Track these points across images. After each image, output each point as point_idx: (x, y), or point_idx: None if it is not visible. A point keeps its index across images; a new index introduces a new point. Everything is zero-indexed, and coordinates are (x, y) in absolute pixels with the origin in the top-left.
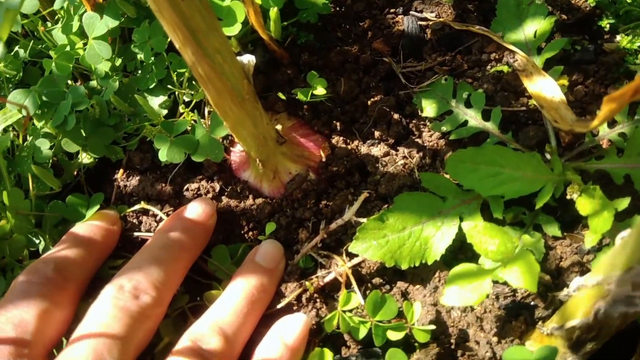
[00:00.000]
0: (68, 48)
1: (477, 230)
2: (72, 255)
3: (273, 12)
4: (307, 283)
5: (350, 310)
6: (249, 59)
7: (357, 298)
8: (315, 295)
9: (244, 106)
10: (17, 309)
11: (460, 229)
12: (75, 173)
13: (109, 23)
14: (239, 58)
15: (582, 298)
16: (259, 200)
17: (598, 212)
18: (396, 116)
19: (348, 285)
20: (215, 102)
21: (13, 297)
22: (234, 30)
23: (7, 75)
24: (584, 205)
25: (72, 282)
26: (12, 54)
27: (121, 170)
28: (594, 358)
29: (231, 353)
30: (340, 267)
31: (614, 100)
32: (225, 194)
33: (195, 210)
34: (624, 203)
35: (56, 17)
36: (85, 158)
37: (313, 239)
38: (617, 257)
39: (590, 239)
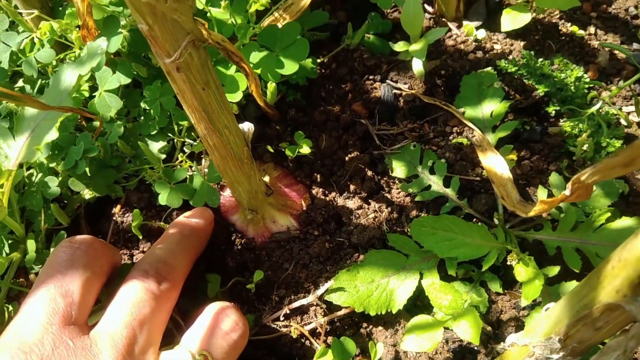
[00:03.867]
0: (76, 94)
1: (434, 288)
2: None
3: (271, 86)
4: (292, 326)
5: None
6: (248, 127)
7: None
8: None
9: (242, 168)
10: (66, 279)
11: (420, 282)
12: (76, 207)
13: (122, 79)
14: (240, 126)
15: (514, 353)
16: (244, 240)
17: (531, 280)
18: (370, 173)
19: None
20: (218, 164)
21: (60, 266)
22: (236, 97)
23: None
24: (519, 272)
25: (109, 253)
26: (19, 89)
27: (119, 207)
28: None
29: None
30: (320, 317)
31: (546, 203)
32: (214, 233)
33: (199, 216)
34: (554, 270)
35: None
36: (87, 194)
37: (276, 312)
38: (540, 326)
39: (524, 301)
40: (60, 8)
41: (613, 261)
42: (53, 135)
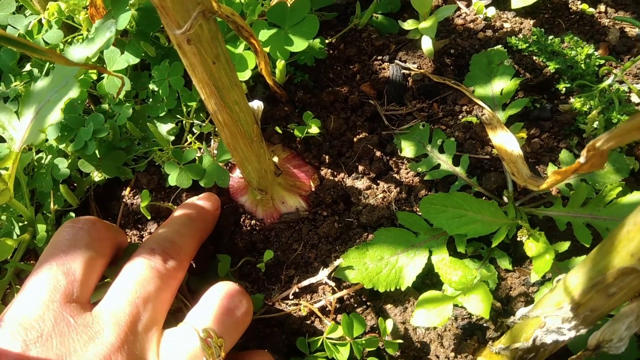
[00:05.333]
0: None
1: (444, 263)
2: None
3: (280, 64)
4: (302, 304)
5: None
6: (257, 104)
7: (340, 329)
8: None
9: (252, 146)
10: (68, 258)
11: (429, 259)
12: (85, 189)
13: (130, 59)
14: (250, 104)
15: (525, 326)
16: (253, 221)
17: (541, 254)
18: (378, 153)
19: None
20: (228, 142)
21: (63, 246)
22: (244, 76)
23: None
24: (530, 248)
25: (112, 234)
26: (27, 73)
27: (128, 189)
28: None
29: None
30: (330, 294)
31: (559, 174)
32: (224, 214)
33: (207, 200)
34: (564, 246)
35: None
36: (97, 176)
37: (285, 290)
38: (552, 296)
39: (534, 276)
40: None
41: (628, 225)
42: (57, 115)
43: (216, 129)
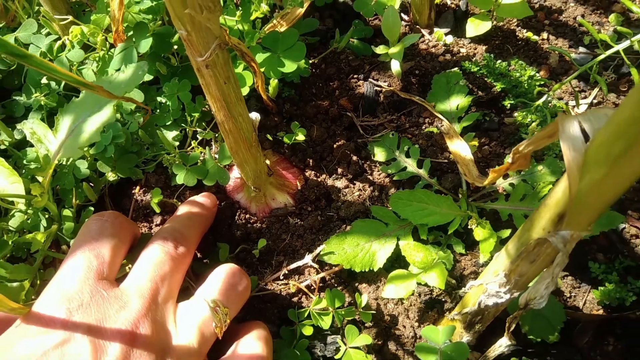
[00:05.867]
0: None
1: (409, 247)
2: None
3: (274, 82)
4: (290, 284)
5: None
6: (255, 116)
7: (324, 301)
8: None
9: (250, 150)
10: (97, 244)
11: (397, 246)
12: (101, 188)
13: (145, 77)
14: (249, 115)
15: (472, 293)
16: (247, 216)
17: (487, 238)
18: (355, 158)
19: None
20: (231, 146)
21: (93, 234)
22: (243, 92)
23: (48, 105)
24: (478, 233)
25: (131, 226)
26: (45, 85)
27: (138, 187)
28: (481, 336)
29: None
30: (314, 275)
31: (495, 172)
32: (222, 209)
33: (206, 198)
34: (506, 233)
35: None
36: (111, 176)
37: (276, 273)
38: (492, 267)
39: (482, 257)
40: (84, 13)
41: (540, 207)
42: (96, 137)
43: (216, 136)
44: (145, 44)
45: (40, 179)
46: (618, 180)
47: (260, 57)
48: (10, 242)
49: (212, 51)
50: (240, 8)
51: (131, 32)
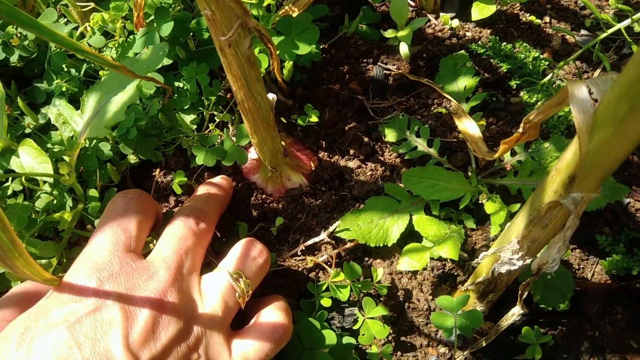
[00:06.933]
0: None
1: (422, 220)
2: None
3: (289, 64)
4: (308, 259)
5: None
6: (272, 96)
7: (341, 274)
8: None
9: (268, 130)
10: (124, 219)
11: (410, 221)
12: (123, 170)
13: (164, 61)
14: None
15: (485, 263)
16: (264, 196)
17: (497, 211)
18: (366, 139)
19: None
20: (250, 126)
21: (120, 210)
22: None
23: (69, 91)
24: (489, 207)
25: (154, 203)
26: (66, 72)
27: (158, 170)
28: (493, 307)
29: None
30: (330, 251)
31: (506, 143)
32: (239, 190)
33: (222, 180)
34: (515, 207)
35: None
36: (132, 158)
37: (293, 249)
38: (504, 236)
39: (493, 229)
40: (102, 1)
41: (552, 171)
42: (121, 116)
43: (233, 119)
44: (167, 28)
45: (67, 159)
46: (625, 139)
47: (275, 40)
48: (39, 221)
49: (234, 30)
50: None
51: (151, 17)
